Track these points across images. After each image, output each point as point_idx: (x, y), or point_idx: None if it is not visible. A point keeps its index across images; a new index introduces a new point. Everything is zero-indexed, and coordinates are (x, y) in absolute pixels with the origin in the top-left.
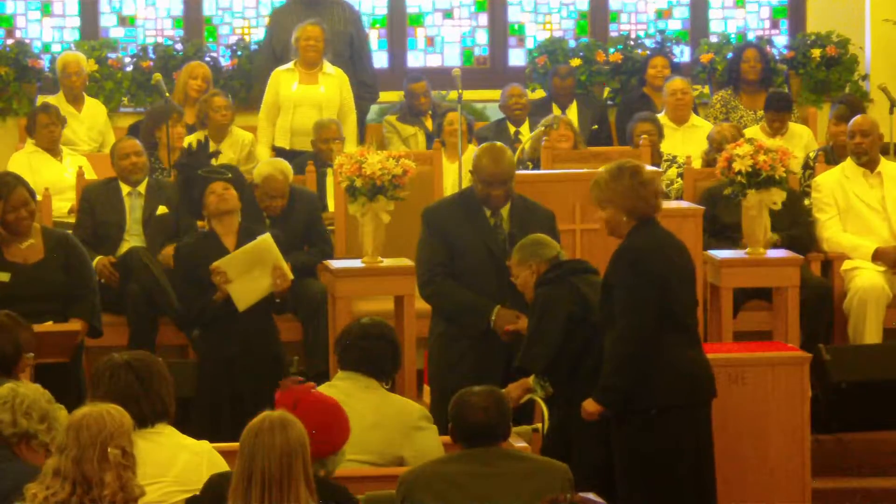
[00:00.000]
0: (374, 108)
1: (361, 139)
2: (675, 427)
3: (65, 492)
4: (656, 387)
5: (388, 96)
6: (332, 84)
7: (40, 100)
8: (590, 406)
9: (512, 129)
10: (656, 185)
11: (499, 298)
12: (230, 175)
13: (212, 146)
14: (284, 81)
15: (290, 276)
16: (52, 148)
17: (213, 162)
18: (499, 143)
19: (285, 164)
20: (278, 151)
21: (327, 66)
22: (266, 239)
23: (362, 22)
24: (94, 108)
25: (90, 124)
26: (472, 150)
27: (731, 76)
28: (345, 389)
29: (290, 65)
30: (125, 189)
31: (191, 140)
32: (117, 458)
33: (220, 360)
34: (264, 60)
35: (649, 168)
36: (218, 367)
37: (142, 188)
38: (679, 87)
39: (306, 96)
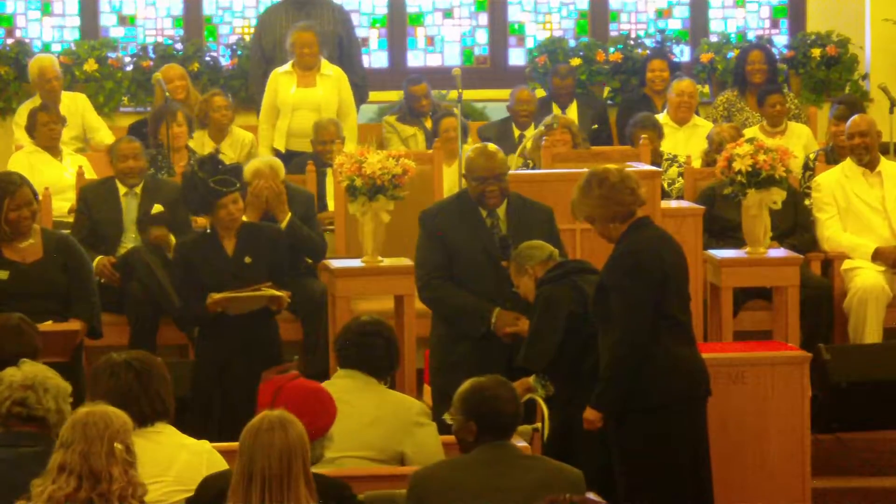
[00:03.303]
0: (373, 108)
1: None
2: (674, 424)
3: (70, 486)
4: (654, 385)
5: (388, 96)
6: (330, 85)
7: (37, 100)
8: (590, 415)
9: (517, 132)
10: (629, 183)
11: (498, 300)
12: (239, 185)
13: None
14: (283, 84)
15: (287, 301)
16: (52, 147)
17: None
18: (490, 144)
19: (275, 162)
20: (275, 153)
21: (325, 67)
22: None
23: (351, 23)
24: (72, 103)
25: (72, 122)
26: (466, 149)
27: (737, 78)
28: (344, 387)
29: (289, 66)
30: (122, 189)
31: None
32: (123, 454)
33: (218, 359)
34: (255, 61)
35: (615, 168)
36: (215, 366)
37: (138, 189)
38: (686, 89)
39: (304, 99)
